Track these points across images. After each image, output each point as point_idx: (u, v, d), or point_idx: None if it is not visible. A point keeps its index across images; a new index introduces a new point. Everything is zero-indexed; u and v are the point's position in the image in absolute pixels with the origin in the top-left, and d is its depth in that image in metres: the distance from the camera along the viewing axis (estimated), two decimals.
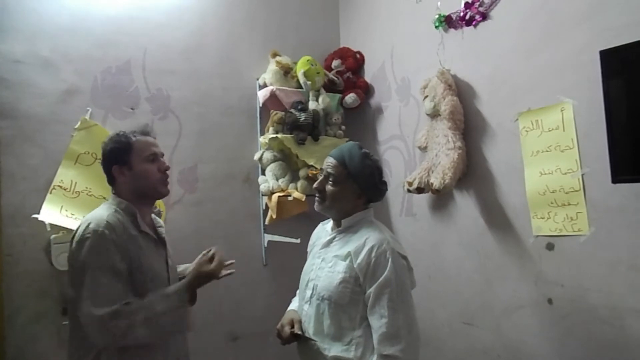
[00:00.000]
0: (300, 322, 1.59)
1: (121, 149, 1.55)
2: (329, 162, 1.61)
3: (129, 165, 1.54)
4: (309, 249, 1.77)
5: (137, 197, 1.56)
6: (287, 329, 1.55)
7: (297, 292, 1.80)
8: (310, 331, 1.55)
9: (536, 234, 1.85)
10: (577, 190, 1.71)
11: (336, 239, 1.61)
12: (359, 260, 1.48)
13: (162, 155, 1.65)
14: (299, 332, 1.54)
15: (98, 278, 1.36)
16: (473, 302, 2.12)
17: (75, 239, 1.44)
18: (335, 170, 1.58)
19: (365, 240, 1.52)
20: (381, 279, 1.44)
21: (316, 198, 1.63)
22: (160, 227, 1.69)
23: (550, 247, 1.81)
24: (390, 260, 1.46)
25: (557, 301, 1.79)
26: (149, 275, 1.48)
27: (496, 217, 2.01)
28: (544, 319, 1.82)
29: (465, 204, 2.16)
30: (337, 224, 1.64)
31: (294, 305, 1.74)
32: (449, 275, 2.24)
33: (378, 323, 1.43)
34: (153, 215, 1.70)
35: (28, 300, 2.04)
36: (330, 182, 1.58)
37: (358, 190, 1.58)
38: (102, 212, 1.49)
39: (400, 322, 1.42)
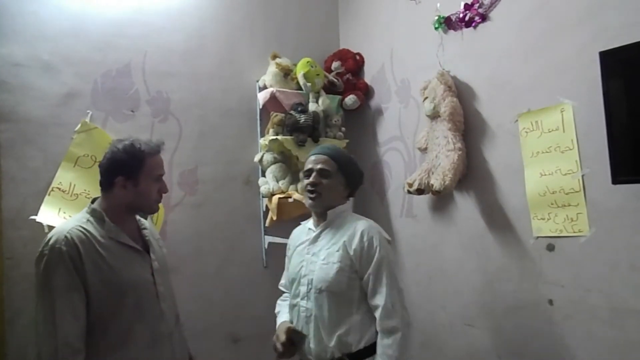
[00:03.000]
0: (295, 331, 1.62)
1: (133, 164, 1.49)
2: (319, 158, 1.70)
3: (135, 181, 1.49)
4: (289, 251, 1.83)
5: (128, 209, 1.54)
6: (283, 337, 1.59)
7: (278, 302, 1.87)
8: (311, 324, 1.60)
9: (536, 234, 1.85)
10: (577, 191, 1.71)
11: (323, 233, 1.70)
12: (353, 247, 1.59)
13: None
14: (295, 329, 1.59)
15: (53, 301, 1.33)
16: (474, 303, 2.12)
17: (37, 253, 1.40)
18: (328, 165, 1.68)
19: (355, 228, 1.64)
20: (375, 258, 1.57)
21: (310, 195, 1.68)
22: (144, 229, 1.63)
23: (550, 247, 1.81)
24: (379, 241, 1.59)
25: (557, 302, 1.79)
26: (124, 287, 1.44)
27: (496, 218, 2.01)
28: (544, 320, 1.82)
29: (465, 205, 2.16)
30: (322, 217, 1.71)
31: (283, 317, 1.76)
32: (450, 276, 2.24)
33: (379, 300, 1.55)
34: (138, 218, 1.65)
35: (29, 303, 2.03)
36: (325, 176, 1.67)
37: (344, 182, 1.72)
38: (69, 224, 1.44)
39: (395, 297, 1.56)
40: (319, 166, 1.68)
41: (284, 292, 1.90)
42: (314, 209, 1.72)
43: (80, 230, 1.42)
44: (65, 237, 1.38)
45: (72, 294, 1.35)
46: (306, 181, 1.70)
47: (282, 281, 1.90)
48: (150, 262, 1.57)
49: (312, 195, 1.67)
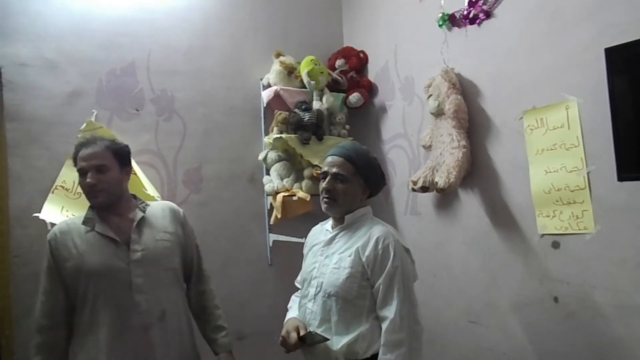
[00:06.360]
0: (305, 327, 1.57)
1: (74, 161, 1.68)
2: (335, 161, 1.61)
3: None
4: (305, 250, 1.78)
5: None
6: (294, 335, 1.53)
7: (292, 298, 1.82)
8: (315, 329, 1.55)
9: (541, 232, 1.85)
10: (582, 188, 1.70)
11: (339, 235, 1.63)
12: (366, 253, 1.52)
13: (98, 167, 1.59)
14: (310, 331, 1.53)
15: (40, 284, 1.60)
16: (478, 300, 2.12)
17: None
18: (343, 168, 1.59)
19: (370, 234, 1.56)
20: (388, 268, 1.49)
21: (325, 200, 1.61)
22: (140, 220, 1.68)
23: (555, 245, 1.81)
24: (395, 251, 1.51)
25: (562, 299, 1.78)
26: (87, 273, 1.56)
27: (501, 215, 2.01)
28: (549, 317, 1.82)
29: (470, 203, 2.16)
30: (340, 221, 1.65)
31: (293, 313, 1.72)
32: (454, 273, 2.24)
33: (387, 312, 1.48)
34: (136, 210, 1.69)
35: (36, 301, 2.05)
36: (340, 181, 1.59)
37: (364, 185, 1.63)
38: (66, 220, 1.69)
39: (406, 310, 1.47)
40: (334, 170, 1.59)
41: (299, 289, 1.82)
42: (329, 214, 1.67)
43: (68, 223, 1.63)
44: (53, 229, 1.62)
45: (50, 277, 1.59)
46: (321, 185, 1.62)
47: (298, 278, 1.83)
48: (128, 254, 1.59)
49: (326, 201, 1.60)
